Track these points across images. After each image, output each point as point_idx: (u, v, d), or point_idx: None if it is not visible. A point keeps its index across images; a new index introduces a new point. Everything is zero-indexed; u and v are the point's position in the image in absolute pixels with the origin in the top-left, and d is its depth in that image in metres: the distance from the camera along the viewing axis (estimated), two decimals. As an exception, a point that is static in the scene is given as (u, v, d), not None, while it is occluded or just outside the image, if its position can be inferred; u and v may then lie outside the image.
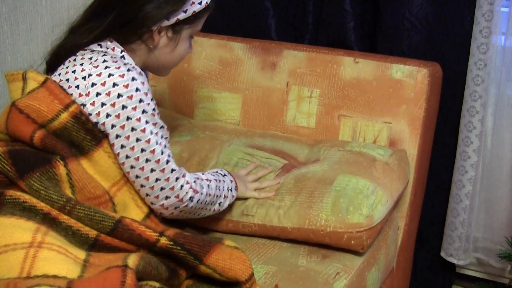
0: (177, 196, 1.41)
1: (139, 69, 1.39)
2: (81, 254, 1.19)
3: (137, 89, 1.34)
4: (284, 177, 1.76)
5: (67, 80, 1.36)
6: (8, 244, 1.13)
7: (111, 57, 1.38)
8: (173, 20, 1.45)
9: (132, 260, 1.14)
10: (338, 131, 1.99)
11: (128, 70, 1.35)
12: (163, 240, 1.25)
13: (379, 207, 1.64)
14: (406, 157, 1.91)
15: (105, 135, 1.34)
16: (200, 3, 1.47)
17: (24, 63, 1.78)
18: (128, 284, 1.08)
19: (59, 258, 1.14)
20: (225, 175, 1.61)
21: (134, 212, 1.38)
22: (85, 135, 1.33)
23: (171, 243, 1.26)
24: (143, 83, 1.36)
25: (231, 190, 1.60)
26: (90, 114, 1.33)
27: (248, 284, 1.29)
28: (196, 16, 1.48)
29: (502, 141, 2.09)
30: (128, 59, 1.42)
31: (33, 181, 1.24)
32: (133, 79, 1.34)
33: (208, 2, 1.51)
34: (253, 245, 1.67)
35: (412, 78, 1.90)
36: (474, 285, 2.23)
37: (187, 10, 1.45)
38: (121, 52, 1.42)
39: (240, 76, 2.10)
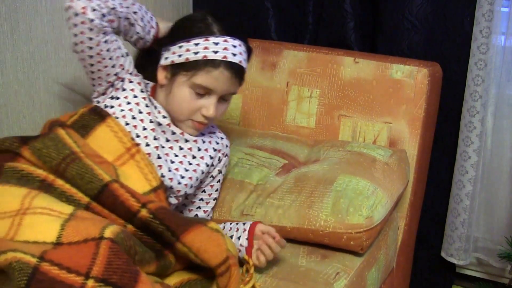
0: None
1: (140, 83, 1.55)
2: (67, 209, 1.21)
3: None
4: (284, 176, 1.76)
5: None
6: None
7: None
8: (168, 61, 1.52)
9: (111, 230, 1.14)
10: (338, 131, 1.99)
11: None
12: (144, 212, 1.27)
13: (379, 208, 1.64)
14: (406, 158, 1.91)
15: (109, 114, 1.47)
16: (196, 53, 1.49)
17: (24, 63, 1.78)
18: (102, 255, 1.09)
19: (41, 221, 1.17)
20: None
21: (139, 184, 1.39)
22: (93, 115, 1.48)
23: (151, 216, 1.27)
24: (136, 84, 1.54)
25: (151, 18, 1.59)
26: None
27: (222, 268, 1.29)
28: (191, 65, 1.49)
29: (502, 141, 2.09)
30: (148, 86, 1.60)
31: (36, 143, 1.33)
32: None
33: (208, 57, 1.48)
34: (253, 245, 1.67)
35: (412, 78, 1.90)
36: (474, 285, 2.23)
37: (181, 55, 1.50)
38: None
39: (240, 76, 2.09)
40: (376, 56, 1.98)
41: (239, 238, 1.52)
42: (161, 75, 1.55)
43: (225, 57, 1.49)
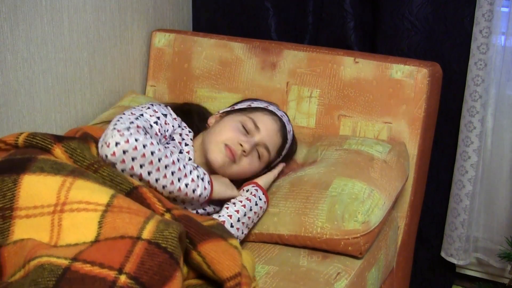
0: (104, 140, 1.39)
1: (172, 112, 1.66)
2: (103, 199, 1.21)
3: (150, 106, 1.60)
4: (280, 180, 1.76)
5: None
6: (36, 206, 1.20)
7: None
8: (228, 108, 1.75)
9: (149, 229, 1.15)
10: (338, 131, 1.99)
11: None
12: (167, 216, 1.29)
13: (376, 211, 1.63)
14: (405, 151, 1.89)
15: None
16: (259, 104, 1.75)
17: (24, 63, 1.77)
18: (136, 254, 1.09)
19: (79, 220, 1.18)
20: (198, 166, 1.54)
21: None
22: None
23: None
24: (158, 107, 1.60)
25: (202, 179, 1.51)
26: None
27: (232, 283, 1.26)
28: (251, 108, 1.71)
29: (502, 141, 2.09)
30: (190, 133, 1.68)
31: (71, 142, 1.35)
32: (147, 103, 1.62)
33: (268, 107, 1.73)
34: (254, 245, 1.66)
35: (412, 78, 1.90)
36: (474, 285, 2.23)
37: (243, 104, 1.75)
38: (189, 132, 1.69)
39: (240, 76, 2.09)
40: (376, 56, 1.98)
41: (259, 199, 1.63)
42: (213, 119, 1.71)
43: (282, 116, 1.73)
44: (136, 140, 1.38)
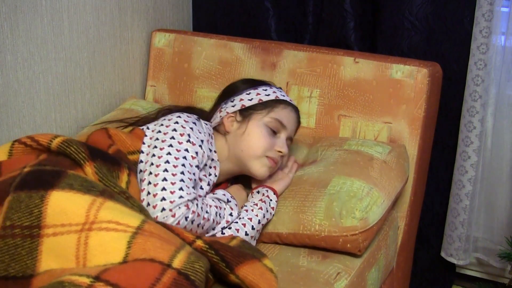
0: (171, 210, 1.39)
1: (203, 123, 1.63)
2: (134, 222, 1.17)
3: (176, 122, 1.55)
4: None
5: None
6: (64, 224, 1.15)
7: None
8: (238, 107, 1.67)
9: (180, 259, 1.12)
10: (338, 131, 1.99)
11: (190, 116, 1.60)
12: (199, 242, 1.28)
13: (374, 209, 1.63)
14: (405, 153, 1.89)
15: None
16: (267, 95, 1.68)
17: (24, 63, 1.77)
18: (163, 283, 1.06)
19: (107, 240, 1.14)
20: (228, 200, 1.61)
21: None
22: None
23: (207, 246, 1.27)
24: (187, 122, 1.56)
25: (231, 215, 1.59)
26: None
27: None
28: (266, 103, 1.66)
29: (502, 141, 2.09)
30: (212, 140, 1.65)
31: (104, 166, 1.33)
32: (179, 116, 1.57)
33: (279, 96, 1.69)
34: (253, 245, 1.67)
35: (412, 78, 1.90)
36: (474, 285, 2.23)
37: (252, 98, 1.67)
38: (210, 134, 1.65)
39: (240, 76, 2.09)
40: (376, 56, 1.98)
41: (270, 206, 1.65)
42: (229, 123, 1.66)
43: (291, 100, 1.73)
44: (202, 208, 1.45)
